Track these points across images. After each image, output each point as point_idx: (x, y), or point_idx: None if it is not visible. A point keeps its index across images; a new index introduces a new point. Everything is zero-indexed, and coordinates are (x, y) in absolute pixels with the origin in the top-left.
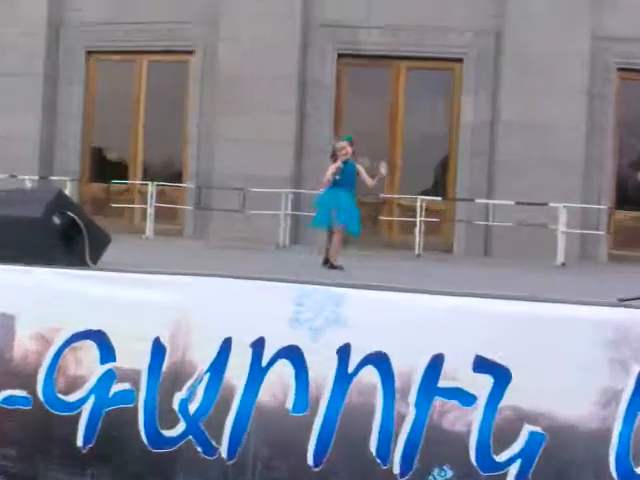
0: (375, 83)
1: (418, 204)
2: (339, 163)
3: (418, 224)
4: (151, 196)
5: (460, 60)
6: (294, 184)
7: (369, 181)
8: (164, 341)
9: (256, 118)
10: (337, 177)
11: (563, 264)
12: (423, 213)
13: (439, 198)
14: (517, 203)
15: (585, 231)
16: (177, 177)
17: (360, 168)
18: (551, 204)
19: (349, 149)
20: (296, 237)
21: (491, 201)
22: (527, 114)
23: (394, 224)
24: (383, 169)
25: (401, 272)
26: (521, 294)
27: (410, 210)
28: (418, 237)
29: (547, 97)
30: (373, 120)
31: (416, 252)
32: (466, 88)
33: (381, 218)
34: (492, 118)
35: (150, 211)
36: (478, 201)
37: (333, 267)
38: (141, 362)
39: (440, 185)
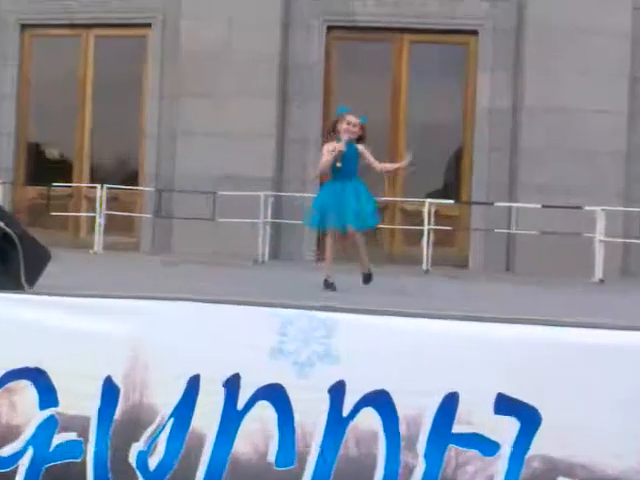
0: (372, 60)
1: (426, 209)
2: (342, 144)
3: (426, 233)
4: (101, 202)
5: (475, 33)
6: (275, 186)
7: (377, 165)
8: (117, 381)
9: (228, 106)
10: (338, 164)
11: (601, 280)
12: (432, 220)
13: (451, 201)
14: (544, 206)
15: (628, 240)
16: (132, 179)
17: (363, 149)
18: (586, 207)
19: (358, 129)
20: (278, 250)
21: (514, 204)
22: (555, 98)
23: (397, 233)
24: (409, 156)
25: (406, 292)
26: (551, 318)
27: (416, 216)
28: (426, 249)
29: (580, 78)
30: (370, 105)
31: (424, 267)
32: (482, 66)
33: (381, 226)
34: (514, 103)
35: (100, 220)
36: (498, 205)
37: (328, 286)
38: (89, 407)
39: (452, 186)
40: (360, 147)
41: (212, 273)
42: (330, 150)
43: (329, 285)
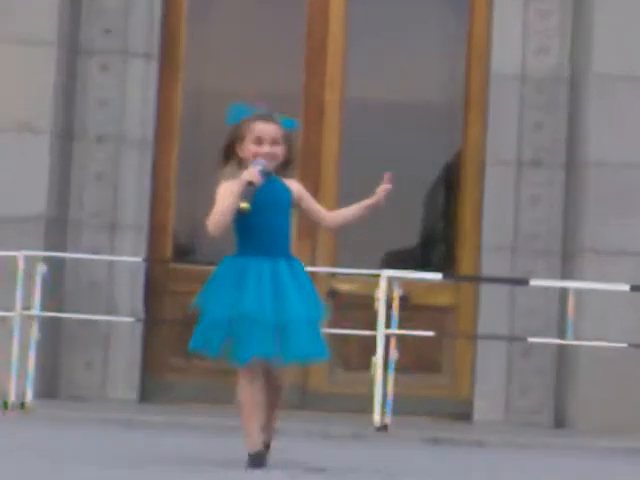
0: None
1: (382, 290)
2: (256, 173)
3: (381, 342)
4: None
5: None
6: (52, 238)
7: (334, 215)
8: None
9: None
10: (244, 205)
11: None
12: (396, 314)
13: (435, 275)
14: (634, 288)
15: None
16: None
17: (301, 188)
18: None
19: (279, 148)
20: (56, 379)
21: (572, 284)
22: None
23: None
24: (387, 180)
25: None
26: None
27: (362, 307)
28: (381, 378)
29: None
30: (263, 71)
31: (376, 419)
32: None
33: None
34: (572, 70)
35: None
36: (536, 284)
37: (259, 460)
38: None
39: (437, 243)
40: (295, 185)
41: None
42: (233, 185)
43: (256, 459)
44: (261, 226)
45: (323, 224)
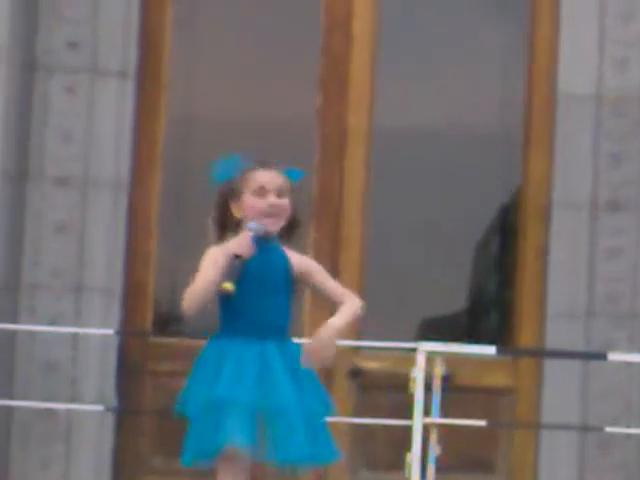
0: None
1: (420, 368)
2: (243, 243)
3: (418, 435)
4: None
5: None
6: (1, 304)
7: (344, 318)
8: None
9: None
10: (228, 287)
11: None
12: (436, 401)
13: (488, 349)
14: None
15: None
16: None
17: (310, 264)
18: None
19: (283, 206)
20: None
21: None
22: None
23: (343, 434)
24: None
25: None
26: None
27: (394, 389)
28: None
29: None
30: (266, 92)
31: None
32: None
33: None
34: None
35: None
36: (621, 358)
37: None
38: None
39: (486, 307)
40: (298, 258)
41: None
42: (217, 253)
43: None
44: (248, 304)
45: (332, 300)
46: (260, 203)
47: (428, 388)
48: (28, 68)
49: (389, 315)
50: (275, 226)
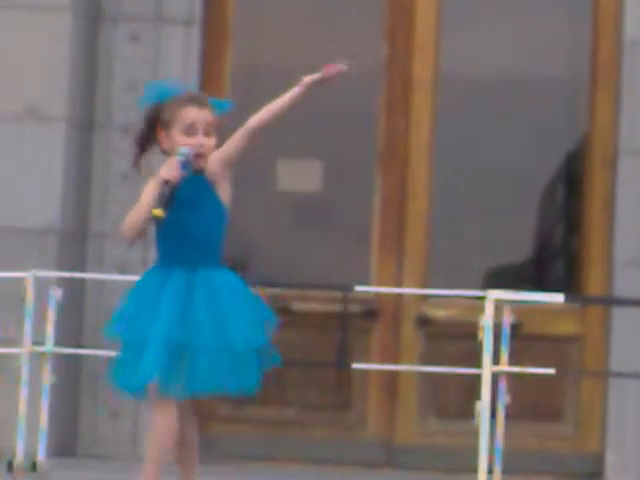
0: None
1: (488, 316)
2: (172, 169)
3: (487, 383)
4: None
5: None
6: (69, 256)
7: (277, 102)
8: None
9: None
10: (158, 214)
11: None
12: (505, 350)
13: (554, 297)
14: None
15: None
16: None
17: (216, 153)
18: None
19: (209, 142)
20: (72, 438)
21: None
22: None
23: (409, 385)
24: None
25: None
26: None
27: (461, 338)
28: (487, 430)
29: None
30: (332, 40)
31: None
32: None
33: (356, 367)
34: None
35: None
36: None
37: None
38: None
39: (553, 255)
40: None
41: None
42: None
43: None
44: (178, 231)
45: (249, 136)
46: (188, 142)
47: (497, 337)
48: (93, 18)
49: (456, 264)
50: (203, 164)
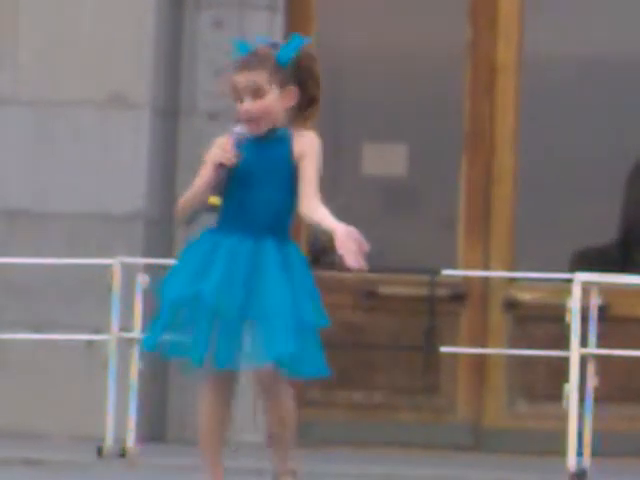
0: None
1: (576, 298)
2: (225, 151)
3: (576, 365)
4: None
5: None
6: (156, 243)
7: (317, 221)
8: None
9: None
10: (214, 201)
11: None
12: (593, 332)
13: None
14: None
15: None
16: None
17: (305, 150)
18: None
19: (257, 106)
20: (161, 424)
21: None
22: None
23: (493, 365)
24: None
25: None
26: None
27: (548, 320)
28: (576, 412)
29: None
30: (414, 24)
31: (571, 467)
32: None
33: (445, 350)
34: None
35: None
36: None
37: None
38: None
39: None
40: (300, 144)
41: None
42: (215, 150)
43: None
44: (244, 200)
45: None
46: (239, 108)
47: (585, 319)
48: (177, 4)
49: (542, 247)
50: (259, 129)
